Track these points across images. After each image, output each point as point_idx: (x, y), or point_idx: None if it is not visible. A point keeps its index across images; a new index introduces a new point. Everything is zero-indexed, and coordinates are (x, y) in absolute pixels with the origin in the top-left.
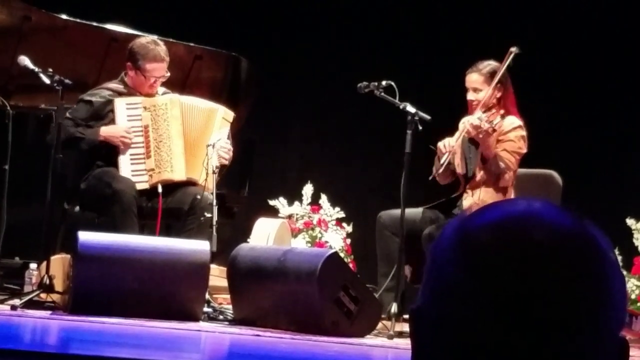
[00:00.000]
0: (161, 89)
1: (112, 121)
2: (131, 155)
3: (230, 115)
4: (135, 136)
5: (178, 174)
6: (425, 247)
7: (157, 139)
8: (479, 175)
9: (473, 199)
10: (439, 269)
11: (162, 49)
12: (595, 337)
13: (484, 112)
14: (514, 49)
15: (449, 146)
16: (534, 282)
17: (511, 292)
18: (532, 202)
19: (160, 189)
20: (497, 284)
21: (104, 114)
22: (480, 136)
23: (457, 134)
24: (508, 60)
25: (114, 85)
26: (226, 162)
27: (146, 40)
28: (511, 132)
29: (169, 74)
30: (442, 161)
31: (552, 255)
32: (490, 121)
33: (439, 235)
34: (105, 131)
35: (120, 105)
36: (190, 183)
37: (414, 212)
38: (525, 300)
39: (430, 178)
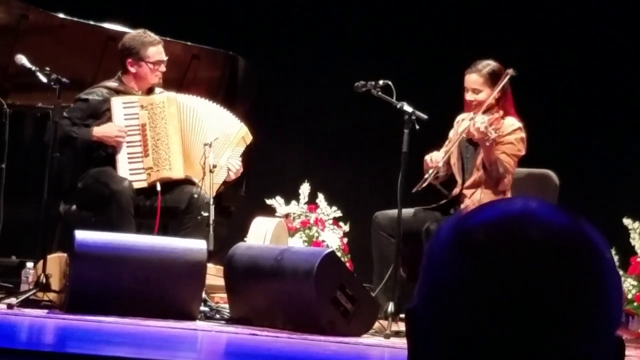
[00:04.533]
0: (158, 89)
1: (109, 120)
2: (129, 154)
3: (249, 138)
4: (132, 135)
5: (176, 172)
6: (425, 244)
7: (155, 137)
8: (476, 175)
9: (471, 201)
10: (435, 268)
11: (152, 34)
12: (592, 336)
13: (484, 113)
14: (510, 71)
15: (435, 161)
16: (530, 281)
17: (507, 291)
18: (528, 201)
19: (159, 187)
20: (493, 283)
21: (100, 112)
22: (487, 144)
23: (445, 147)
24: (504, 81)
25: (111, 83)
26: (232, 178)
27: (134, 32)
28: (511, 134)
29: (167, 57)
30: (425, 176)
31: (548, 255)
32: (497, 129)
33: (435, 234)
34: (98, 131)
35: (117, 104)
36: (187, 182)
37: (411, 212)
38: (521, 299)
39: (413, 191)
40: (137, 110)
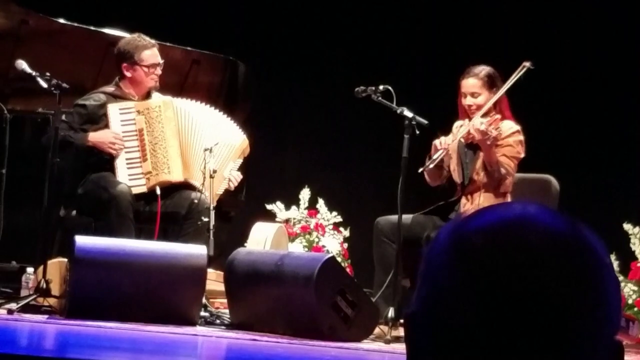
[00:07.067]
0: (156, 94)
1: (107, 125)
2: (127, 159)
3: (248, 150)
4: (129, 140)
5: (175, 175)
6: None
7: (153, 141)
8: (476, 179)
9: (472, 205)
10: (434, 273)
11: (146, 37)
12: (591, 340)
13: (482, 116)
14: (527, 64)
15: (445, 144)
16: (528, 286)
17: (505, 296)
18: (527, 206)
19: (158, 191)
20: (491, 288)
21: (98, 117)
22: (488, 142)
23: (450, 136)
24: (519, 74)
25: (109, 89)
26: (231, 189)
27: (129, 37)
28: (509, 137)
29: (163, 61)
30: (434, 156)
31: (546, 259)
32: (497, 127)
33: (433, 239)
34: (93, 136)
35: (114, 110)
36: (187, 187)
37: (412, 217)
38: (520, 304)
39: (420, 170)
40: (133, 115)
